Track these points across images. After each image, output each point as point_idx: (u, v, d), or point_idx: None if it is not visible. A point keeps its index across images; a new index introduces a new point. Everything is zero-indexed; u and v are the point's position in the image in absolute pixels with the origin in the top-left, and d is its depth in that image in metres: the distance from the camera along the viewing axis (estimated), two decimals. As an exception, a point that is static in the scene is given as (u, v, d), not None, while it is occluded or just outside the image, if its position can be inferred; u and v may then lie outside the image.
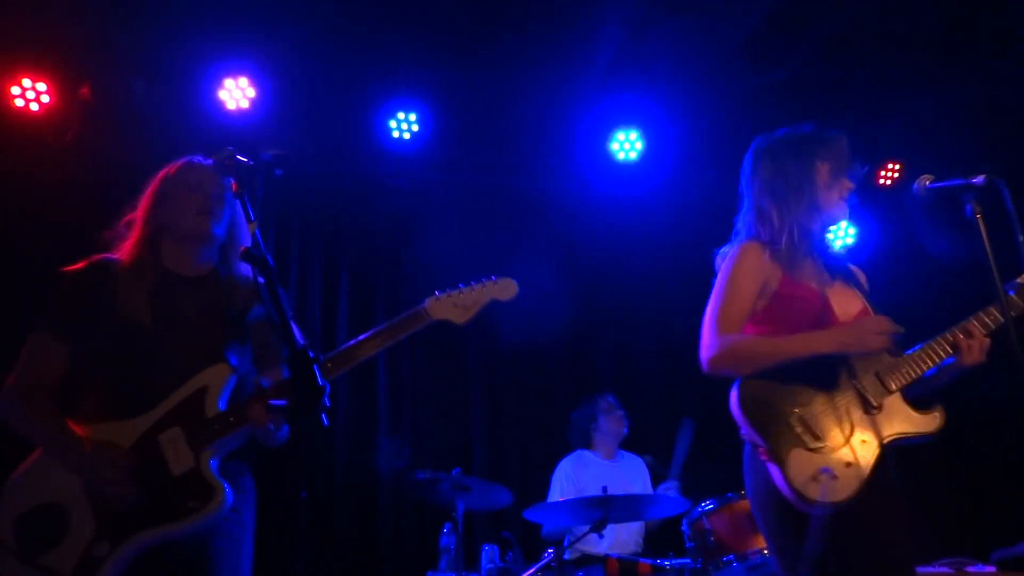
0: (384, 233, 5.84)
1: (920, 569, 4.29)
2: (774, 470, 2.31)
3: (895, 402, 2.41)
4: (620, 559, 4.07)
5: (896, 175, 6.11)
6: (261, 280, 1.81)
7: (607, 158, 5.77)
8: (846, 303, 2.52)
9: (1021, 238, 1.87)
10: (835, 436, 2.34)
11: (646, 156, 5.76)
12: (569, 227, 6.09)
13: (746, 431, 2.40)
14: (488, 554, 4.44)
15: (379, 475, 5.09)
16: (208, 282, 2.45)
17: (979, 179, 1.99)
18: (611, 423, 4.91)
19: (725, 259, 2.54)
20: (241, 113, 4.97)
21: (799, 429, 2.32)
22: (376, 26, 4.87)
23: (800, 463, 2.28)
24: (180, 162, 2.53)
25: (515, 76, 5.29)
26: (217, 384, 2.30)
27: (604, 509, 3.88)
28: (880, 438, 2.37)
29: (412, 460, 5.23)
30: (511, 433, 5.85)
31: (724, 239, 2.64)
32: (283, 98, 5.09)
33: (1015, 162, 4.95)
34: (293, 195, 5.58)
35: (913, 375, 2.41)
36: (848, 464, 2.29)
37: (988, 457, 5.05)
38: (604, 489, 3.95)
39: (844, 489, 2.26)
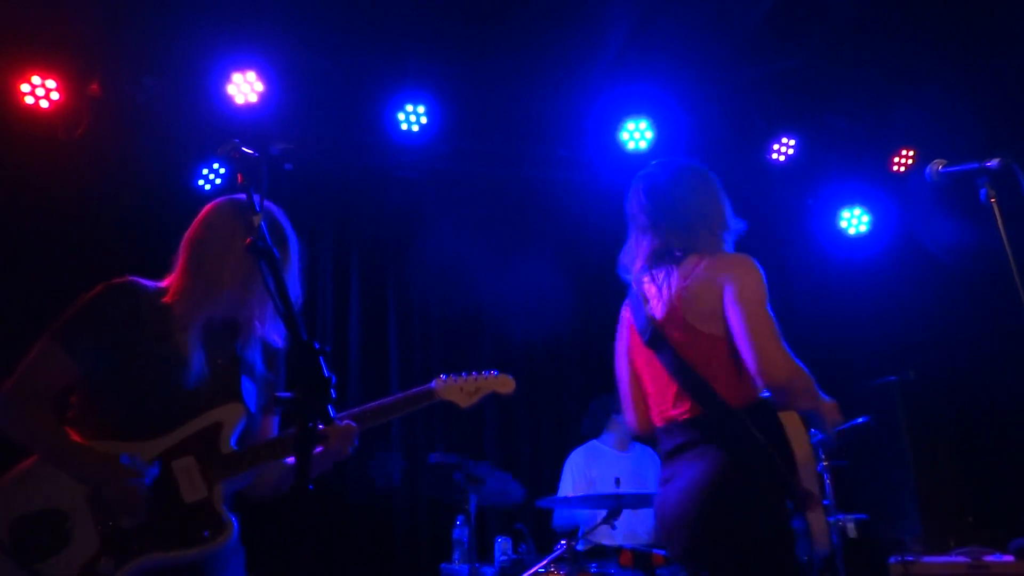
0: (394, 226, 5.84)
1: (937, 559, 4.26)
2: None
3: None
4: (634, 550, 4.05)
5: (910, 161, 6.05)
6: (267, 272, 1.79)
7: (617, 148, 5.70)
8: None
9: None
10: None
11: (656, 146, 5.70)
12: (579, 218, 6.06)
13: None
14: (501, 546, 4.44)
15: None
16: (238, 326, 2.38)
17: (994, 163, 1.94)
18: None
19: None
20: (249, 107, 4.95)
21: None
22: (383, 18, 4.85)
23: None
24: (218, 208, 2.37)
25: (523, 66, 5.26)
26: (231, 422, 2.29)
27: (617, 501, 3.88)
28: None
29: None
30: (523, 425, 5.84)
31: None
32: (291, 92, 5.07)
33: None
34: (302, 189, 5.58)
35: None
36: None
37: (1004, 446, 5.00)
38: (617, 481, 3.91)
39: None
